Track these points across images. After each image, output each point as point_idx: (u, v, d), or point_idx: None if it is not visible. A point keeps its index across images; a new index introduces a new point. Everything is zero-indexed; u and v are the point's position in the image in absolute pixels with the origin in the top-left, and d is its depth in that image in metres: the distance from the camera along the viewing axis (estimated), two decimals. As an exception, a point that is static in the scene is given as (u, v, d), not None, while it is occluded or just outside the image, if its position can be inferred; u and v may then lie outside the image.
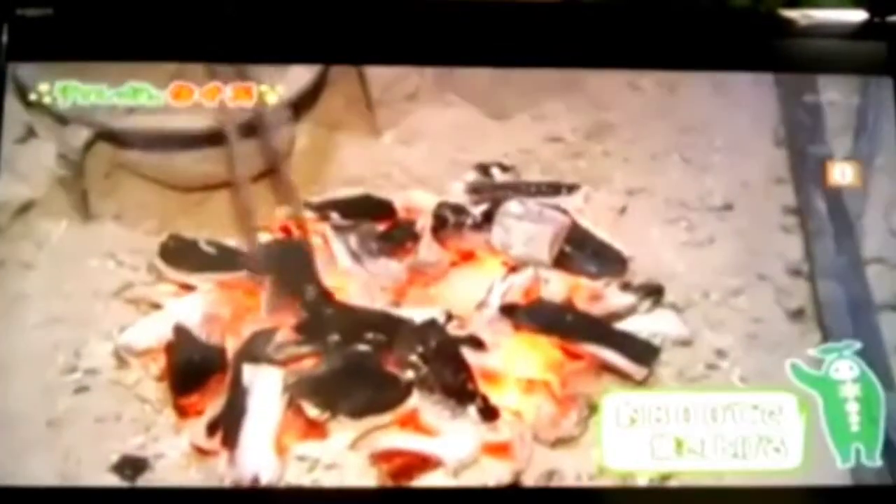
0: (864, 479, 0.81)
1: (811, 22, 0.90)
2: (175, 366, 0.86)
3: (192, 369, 0.85)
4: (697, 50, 0.91)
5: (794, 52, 0.91)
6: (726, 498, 0.81)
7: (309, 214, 0.94)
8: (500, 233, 0.95)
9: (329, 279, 0.92)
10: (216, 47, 0.88)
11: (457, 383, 0.87)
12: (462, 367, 0.88)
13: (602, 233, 0.96)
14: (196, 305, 0.90)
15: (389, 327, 0.89)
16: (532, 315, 0.91)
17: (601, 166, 0.96)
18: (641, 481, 0.81)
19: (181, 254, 0.92)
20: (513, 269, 0.94)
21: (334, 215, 0.96)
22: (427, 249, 0.95)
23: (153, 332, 0.89)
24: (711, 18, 0.94)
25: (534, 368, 0.90)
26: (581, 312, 0.92)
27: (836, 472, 0.81)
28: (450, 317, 0.91)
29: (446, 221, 0.95)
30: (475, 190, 0.98)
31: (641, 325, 0.92)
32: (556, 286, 0.94)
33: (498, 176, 0.98)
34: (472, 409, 0.86)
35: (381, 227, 0.96)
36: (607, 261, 0.95)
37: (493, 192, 0.97)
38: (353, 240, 0.96)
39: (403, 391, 0.86)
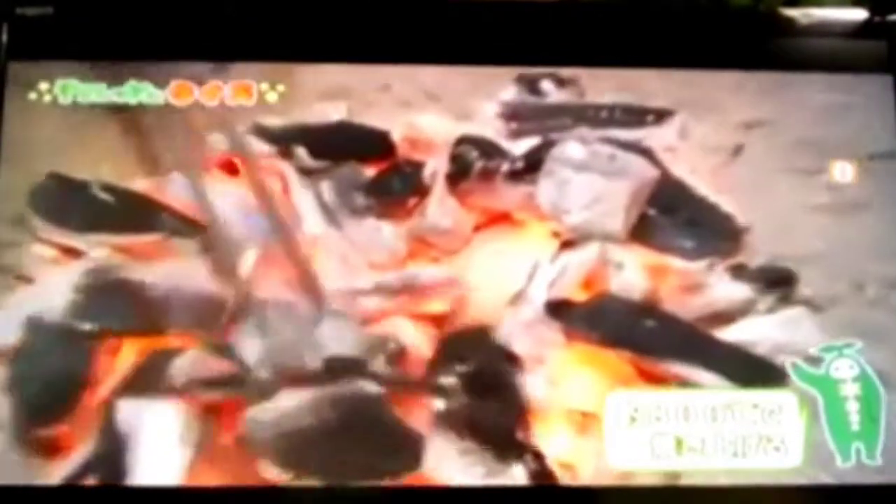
0: (864, 478, 0.80)
1: (811, 21, 0.90)
2: (27, 381, 0.71)
3: (53, 388, 0.71)
4: (697, 49, 0.88)
5: (794, 52, 0.90)
6: (726, 497, 0.79)
7: (261, 147, 0.79)
8: (550, 187, 0.76)
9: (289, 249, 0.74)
10: (216, 47, 0.86)
11: (496, 427, 0.72)
12: (505, 398, 0.72)
13: (704, 188, 0.77)
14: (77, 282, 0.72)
15: (375, 339, 0.73)
16: (594, 317, 0.74)
17: (706, 85, 0.84)
18: (641, 480, 0.79)
19: (64, 203, 0.77)
20: (568, 244, 0.75)
21: (300, 151, 0.78)
22: (439, 207, 0.75)
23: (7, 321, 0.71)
24: (711, 18, 0.92)
25: (594, 398, 0.76)
26: (668, 315, 0.75)
27: (836, 471, 0.80)
28: (467, 310, 0.72)
29: (469, 166, 0.76)
30: (515, 115, 0.80)
31: (761, 332, 0.76)
32: (633, 272, 0.74)
33: (551, 93, 0.82)
34: (518, 469, 0.73)
35: (369, 170, 0.77)
36: (711, 232, 0.75)
37: (541, 119, 0.80)
38: (327, 189, 0.76)
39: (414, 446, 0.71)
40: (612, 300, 0.74)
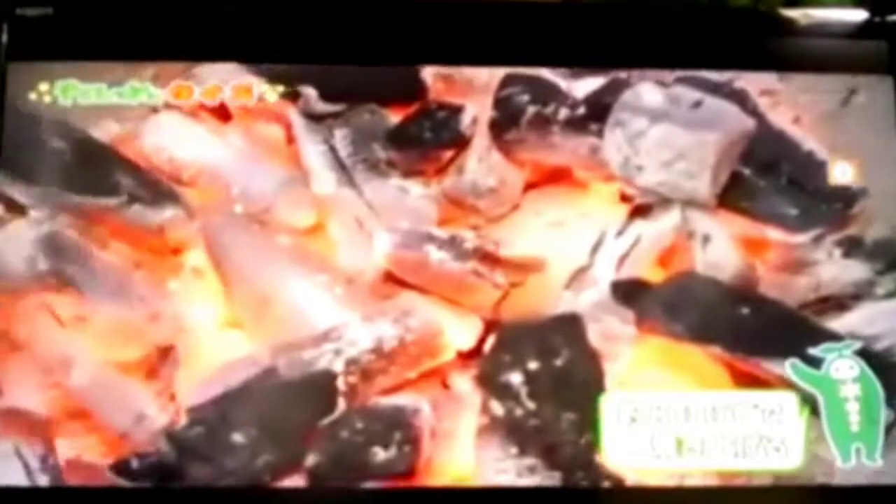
0: (864, 478, 0.79)
1: (811, 22, 0.89)
2: None
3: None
4: (697, 49, 0.86)
5: (794, 52, 0.88)
6: (726, 497, 0.79)
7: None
8: (619, 139, 0.67)
9: (294, 215, 0.70)
10: (216, 46, 0.86)
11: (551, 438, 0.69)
12: (563, 406, 0.68)
13: (811, 142, 0.71)
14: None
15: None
16: (675, 303, 0.66)
17: None
18: (641, 481, 0.78)
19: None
20: (641, 210, 0.66)
21: (308, 91, 0.73)
22: (480, 162, 0.66)
23: None
24: (711, 18, 0.91)
25: (676, 403, 0.71)
26: (766, 300, 0.67)
27: (836, 471, 0.80)
28: (513, 292, 0.66)
29: (519, 111, 0.68)
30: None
31: (881, 321, 0.70)
32: (722, 246, 0.65)
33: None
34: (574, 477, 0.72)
35: (394, 116, 0.70)
36: (818, 197, 0.67)
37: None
38: (340, 140, 0.68)
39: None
40: (697, 281, 0.65)
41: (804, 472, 0.79)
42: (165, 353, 0.76)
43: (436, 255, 0.64)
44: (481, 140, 0.67)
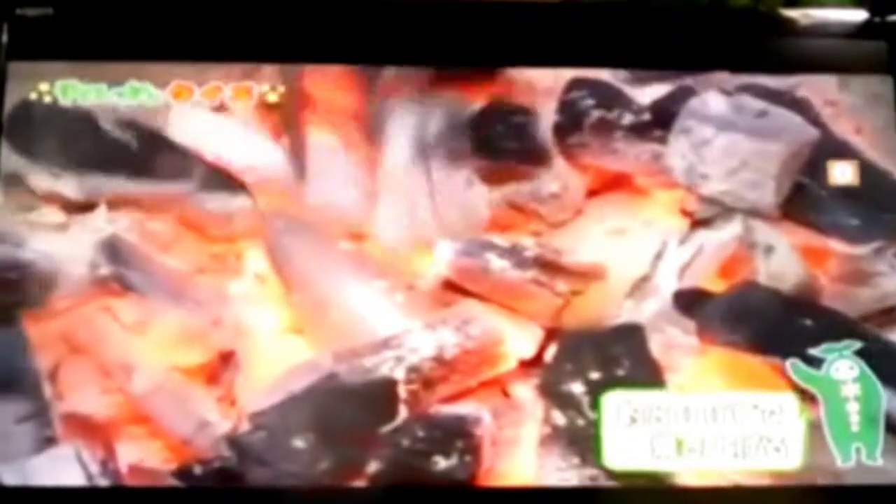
0: (865, 478, 0.79)
1: (811, 22, 0.89)
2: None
3: None
4: (697, 50, 0.86)
5: (793, 52, 0.87)
6: (726, 497, 0.79)
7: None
8: (683, 147, 0.67)
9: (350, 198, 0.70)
10: (216, 47, 0.86)
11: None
12: None
13: (872, 152, 0.69)
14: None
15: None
16: (737, 314, 0.66)
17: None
18: (641, 481, 0.78)
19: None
20: (703, 220, 0.66)
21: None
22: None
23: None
24: (711, 18, 0.91)
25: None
26: (829, 311, 0.68)
27: (836, 471, 0.80)
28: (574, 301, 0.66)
29: (584, 115, 0.68)
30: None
31: None
32: (785, 257, 0.65)
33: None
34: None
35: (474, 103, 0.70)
36: (880, 208, 0.67)
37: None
38: (426, 125, 0.68)
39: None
40: (759, 292, 0.65)
41: (804, 473, 0.79)
42: (227, 359, 0.76)
43: (496, 263, 0.63)
44: (546, 142, 0.67)
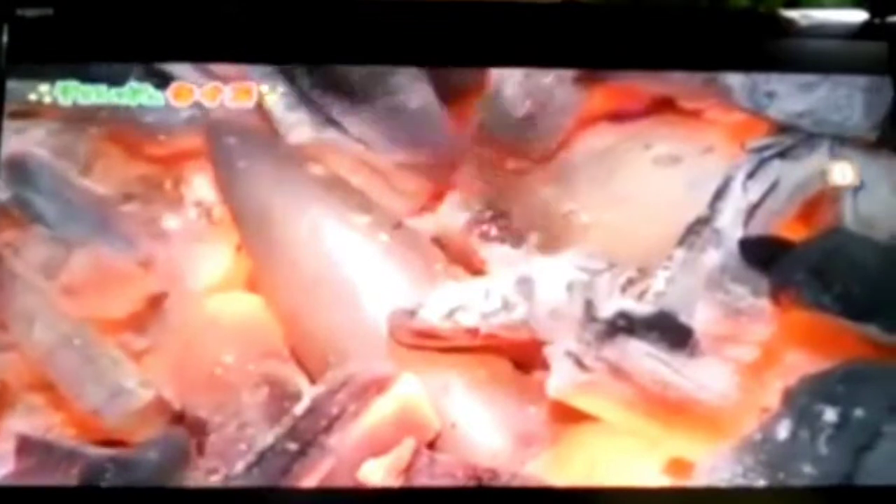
0: (864, 479, 0.72)
1: (811, 22, 0.87)
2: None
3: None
4: (697, 50, 0.85)
5: (794, 52, 0.84)
6: (727, 497, 0.73)
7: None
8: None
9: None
10: (216, 47, 0.84)
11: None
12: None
13: None
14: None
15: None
16: (821, 270, 0.55)
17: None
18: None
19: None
20: (775, 153, 0.60)
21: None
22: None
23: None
24: (711, 18, 0.90)
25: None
26: None
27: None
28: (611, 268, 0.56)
29: None
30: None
31: None
32: (881, 195, 0.59)
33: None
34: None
35: None
36: None
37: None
38: None
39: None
40: (850, 242, 0.56)
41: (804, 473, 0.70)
42: (155, 311, 0.68)
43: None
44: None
